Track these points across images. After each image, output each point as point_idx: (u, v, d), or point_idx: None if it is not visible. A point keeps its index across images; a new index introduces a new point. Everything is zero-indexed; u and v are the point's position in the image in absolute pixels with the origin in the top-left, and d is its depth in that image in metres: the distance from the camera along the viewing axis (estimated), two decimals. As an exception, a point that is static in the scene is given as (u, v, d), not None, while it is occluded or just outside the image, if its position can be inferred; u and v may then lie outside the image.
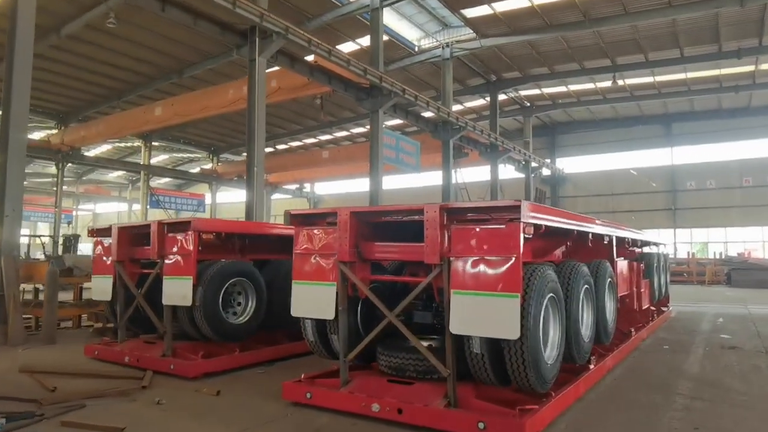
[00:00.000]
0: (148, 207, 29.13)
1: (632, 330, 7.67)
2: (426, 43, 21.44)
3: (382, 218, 4.50)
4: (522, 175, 28.13)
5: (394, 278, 4.66)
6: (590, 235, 5.65)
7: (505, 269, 3.76)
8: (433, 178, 27.87)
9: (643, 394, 5.25)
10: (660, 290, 10.23)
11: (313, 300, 4.65)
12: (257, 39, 12.34)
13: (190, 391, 5.32)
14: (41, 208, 39.29)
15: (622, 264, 7.00)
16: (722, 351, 7.58)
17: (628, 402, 4.95)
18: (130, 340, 6.86)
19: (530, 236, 3.87)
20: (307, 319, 4.92)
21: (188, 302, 5.83)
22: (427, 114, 20.63)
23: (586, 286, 5.13)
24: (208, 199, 34.80)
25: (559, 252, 6.10)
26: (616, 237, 6.81)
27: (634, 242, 8.08)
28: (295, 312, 4.79)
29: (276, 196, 37.99)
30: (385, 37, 19.93)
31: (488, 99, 25.34)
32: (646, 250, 10.60)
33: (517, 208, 3.71)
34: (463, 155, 24.21)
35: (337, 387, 4.57)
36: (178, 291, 5.94)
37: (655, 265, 9.72)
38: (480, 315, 3.82)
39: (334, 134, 32.38)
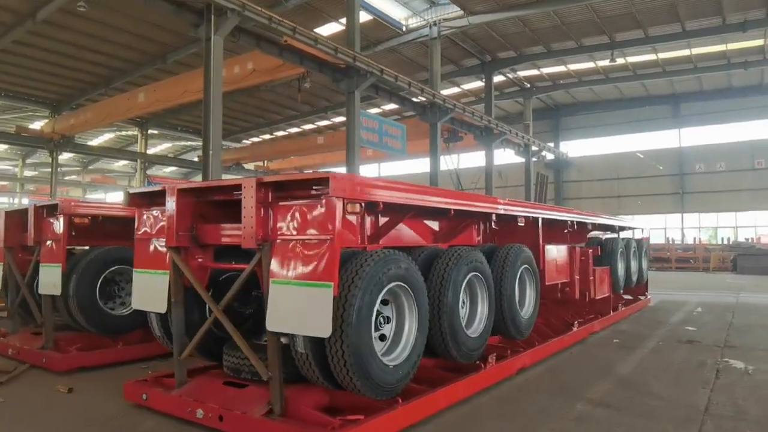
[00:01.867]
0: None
1: (576, 322, 6.98)
2: (414, 22, 20.58)
3: (210, 196, 3.91)
4: (523, 160, 27.13)
5: (229, 266, 4.07)
6: (493, 217, 4.98)
7: (318, 254, 3.16)
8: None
9: (544, 398, 4.59)
10: (629, 278, 9.45)
11: (149, 291, 4.12)
12: (213, 17, 11.80)
13: (45, 388, 4.86)
14: (47, 197, 39.71)
15: (554, 249, 6.30)
16: (676, 345, 6.86)
17: (517, 409, 4.30)
18: (22, 331, 6.45)
19: (354, 214, 3.26)
20: (152, 312, 4.38)
21: (58, 291, 5.36)
22: (420, 97, 19.80)
23: (473, 273, 4.47)
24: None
25: (468, 236, 5.47)
26: (545, 219, 6.13)
27: (582, 225, 7.35)
28: (134, 304, 4.28)
29: (277, 183, 37.63)
30: (371, 17, 19.22)
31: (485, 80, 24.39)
32: (620, 234, 9.88)
33: (326, 181, 3.09)
34: (457, 139, 23.33)
35: (173, 388, 4.05)
36: (50, 279, 5.47)
37: (620, 251, 8.95)
38: (295, 308, 3.23)
39: (332, 119, 31.71)
